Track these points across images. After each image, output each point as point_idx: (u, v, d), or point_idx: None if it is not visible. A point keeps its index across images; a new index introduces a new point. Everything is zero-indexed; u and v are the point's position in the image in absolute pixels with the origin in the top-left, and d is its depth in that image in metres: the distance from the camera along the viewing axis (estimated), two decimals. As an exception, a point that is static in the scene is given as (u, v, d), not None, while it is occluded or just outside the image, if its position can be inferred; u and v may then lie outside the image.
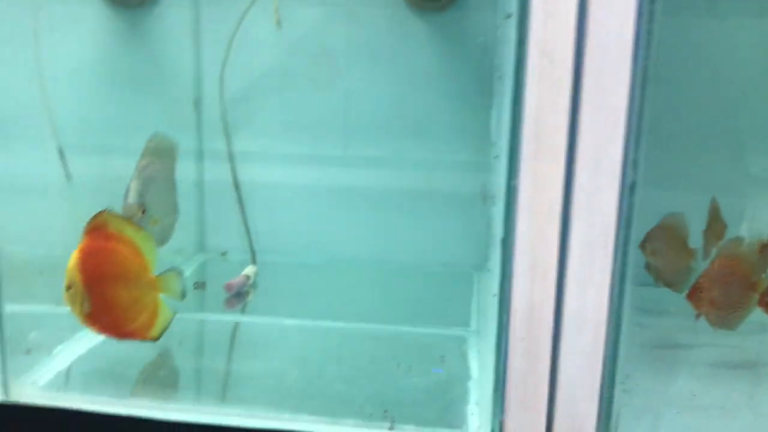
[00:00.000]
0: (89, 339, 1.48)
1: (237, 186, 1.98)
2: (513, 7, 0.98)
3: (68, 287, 1.23)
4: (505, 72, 1.03)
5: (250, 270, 1.88)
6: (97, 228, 1.23)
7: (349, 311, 1.72)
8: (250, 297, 1.81)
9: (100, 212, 1.23)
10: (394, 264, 1.99)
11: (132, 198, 1.52)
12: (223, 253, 2.06)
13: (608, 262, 1.01)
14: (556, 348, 1.04)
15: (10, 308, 1.35)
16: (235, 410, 1.24)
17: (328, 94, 1.95)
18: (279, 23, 1.78)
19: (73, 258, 1.23)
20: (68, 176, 1.84)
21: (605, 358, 1.04)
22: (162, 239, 1.55)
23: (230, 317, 1.70)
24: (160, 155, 1.64)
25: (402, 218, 1.98)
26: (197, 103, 1.99)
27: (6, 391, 1.28)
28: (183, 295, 1.25)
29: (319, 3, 1.91)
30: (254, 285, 1.85)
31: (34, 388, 1.30)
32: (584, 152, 0.98)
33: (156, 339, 1.25)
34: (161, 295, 1.25)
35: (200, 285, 1.87)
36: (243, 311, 1.76)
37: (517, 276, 1.03)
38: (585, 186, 0.99)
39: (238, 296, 1.79)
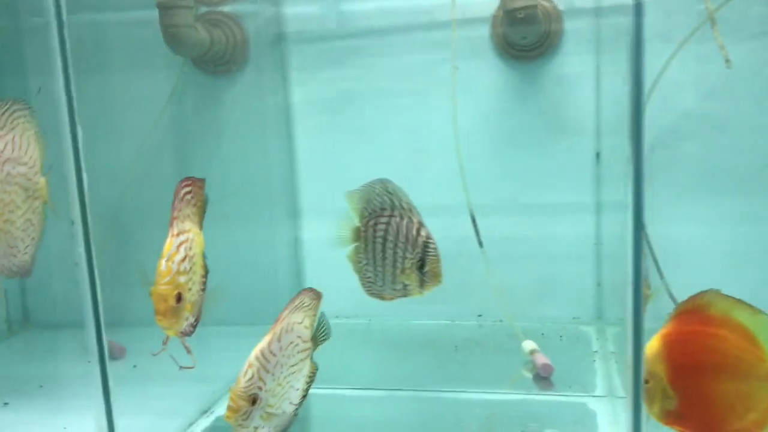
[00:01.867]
0: None
1: (648, 243, 1.76)
2: None
3: (645, 380, 1.03)
4: None
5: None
6: (693, 311, 1.03)
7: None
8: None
9: (701, 291, 1.03)
10: None
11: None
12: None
13: None
14: None
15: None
16: None
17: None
18: (729, 62, 1.55)
19: (653, 346, 1.04)
20: (480, 243, 1.68)
21: None
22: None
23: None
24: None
25: None
26: (599, 156, 1.80)
27: None
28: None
29: (756, 35, 1.66)
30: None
31: None
32: None
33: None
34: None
35: None
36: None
37: None
38: None
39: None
